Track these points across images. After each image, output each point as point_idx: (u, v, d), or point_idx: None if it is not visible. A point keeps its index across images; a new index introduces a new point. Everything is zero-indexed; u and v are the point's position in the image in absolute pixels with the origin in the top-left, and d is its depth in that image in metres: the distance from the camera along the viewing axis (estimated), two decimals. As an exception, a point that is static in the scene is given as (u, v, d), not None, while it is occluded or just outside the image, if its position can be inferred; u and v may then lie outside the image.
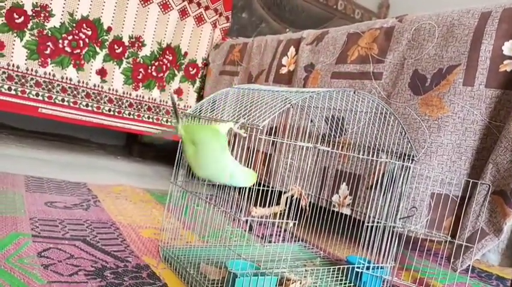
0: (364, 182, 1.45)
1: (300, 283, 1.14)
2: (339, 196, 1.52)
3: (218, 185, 1.24)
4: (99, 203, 1.77)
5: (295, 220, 1.14)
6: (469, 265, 1.20)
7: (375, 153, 1.36)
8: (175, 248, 1.28)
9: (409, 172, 1.25)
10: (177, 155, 1.33)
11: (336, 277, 1.34)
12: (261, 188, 1.22)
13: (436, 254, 1.67)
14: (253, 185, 1.02)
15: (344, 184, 1.51)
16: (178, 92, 2.61)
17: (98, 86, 2.29)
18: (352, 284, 1.30)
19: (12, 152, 2.41)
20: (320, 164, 1.60)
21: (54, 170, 2.15)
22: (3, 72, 2.02)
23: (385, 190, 1.32)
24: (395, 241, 1.25)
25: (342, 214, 1.51)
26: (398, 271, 1.62)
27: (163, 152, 3.34)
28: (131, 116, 2.40)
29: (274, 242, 1.64)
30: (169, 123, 2.58)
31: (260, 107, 1.08)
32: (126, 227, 1.52)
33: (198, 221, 1.34)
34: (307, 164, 1.45)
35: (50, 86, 2.15)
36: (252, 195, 1.04)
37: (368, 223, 1.22)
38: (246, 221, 1.02)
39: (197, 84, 2.68)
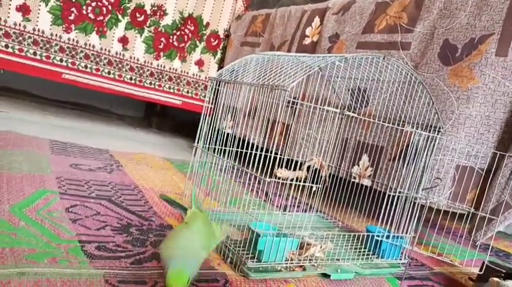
0: (387, 153, 1.44)
1: (321, 247, 1.15)
2: (359, 167, 1.52)
3: (238, 157, 1.25)
4: (122, 167, 1.80)
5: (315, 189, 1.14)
6: (491, 237, 1.19)
7: (400, 124, 1.34)
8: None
9: (434, 143, 1.23)
10: (201, 120, 1.33)
11: (355, 246, 1.35)
12: (279, 155, 1.22)
13: (455, 233, 1.66)
14: (273, 154, 1.02)
15: (365, 155, 1.50)
16: (199, 63, 2.61)
17: (120, 54, 2.30)
18: (371, 252, 1.31)
19: (36, 119, 2.46)
20: (341, 135, 1.59)
21: (76, 137, 2.19)
22: (29, 37, 2.04)
23: (408, 161, 1.31)
24: (416, 212, 1.24)
25: (361, 185, 1.51)
26: (416, 245, 1.62)
27: (181, 124, 3.36)
28: (152, 86, 2.41)
29: (292, 212, 1.65)
30: (189, 95, 2.59)
31: (285, 71, 1.07)
32: (149, 191, 1.55)
33: (218, 190, 1.36)
34: (328, 135, 1.44)
35: (73, 52, 2.17)
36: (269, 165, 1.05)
37: (390, 192, 1.21)
38: (269, 183, 1.03)
39: (218, 55, 2.66)
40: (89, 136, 2.32)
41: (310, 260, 1.13)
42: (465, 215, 1.28)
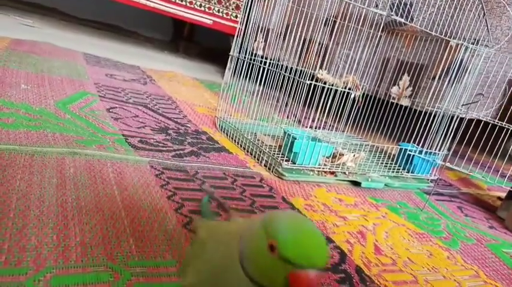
0: (428, 72, 1.39)
1: (354, 156, 1.17)
2: (399, 88, 1.48)
3: (266, 82, 1.23)
4: (155, 81, 1.82)
5: (349, 112, 1.13)
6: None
7: (444, 41, 1.28)
8: (231, 121, 1.33)
9: (481, 58, 1.18)
10: (238, 28, 1.30)
11: (386, 161, 1.36)
12: (313, 83, 1.19)
13: (484, 165, 1.65)
14: (306, 79, 1.00)
15: (406, 75, 1.46)
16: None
17: (150, -32, 2.22)
18: (401, 167, 1.32)
19: (68, 36, 2.47)
20: (382, 55, 1.54)
21: (107, 53, 2.19)
22: None
23: (451, 78, 1.27)
24: (452, 129, 1.23)
25: (395, 107, 1.49)
26: (445, 170, 1.62)
27: (208, 50, 3.32)
28: (183, 2, 2.34)
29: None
30: (220, 14, 2.51)
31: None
32: (182, 103, 1.57)
33: (249, 108, 1.36)
34: (367, 54, 1.39)
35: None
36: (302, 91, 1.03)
37: (428, 107, 1.19)
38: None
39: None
40: (119, 54, 2.32)
41: (342, 168, 1.16)
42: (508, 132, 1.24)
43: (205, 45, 3.40)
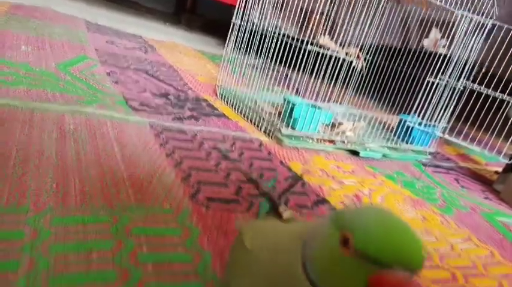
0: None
1: (353, 124, 1.17)
2: (430, 39, 1.45)
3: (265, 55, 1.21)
4: (156, 50, 1.81)
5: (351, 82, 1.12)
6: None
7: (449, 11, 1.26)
8: (232, 90, 1.32)
9: (485, 29, 1.17)
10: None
11: (385, 133, 1.36)
12: (315, 48, 1.17)
13: (481, 140, 1.65)
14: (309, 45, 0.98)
15: (434, 27, 1.43)
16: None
17: None
18: (400, 139, 1.33)
19: (69, 3, 2.43)
20: (399, 16, 1.50)
21: (108, 22, 2.17)
22: None
23: (453, 49, 1.25)
24: (453, 100, 1.23)
25: (397, 76, 1.47)
26: (444, 145, 1.63)
27: (211, 23, 3.27)
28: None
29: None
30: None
31: None
32: (183, 71, 1.56)
33: (250, 79, 1.35)
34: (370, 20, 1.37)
35: None
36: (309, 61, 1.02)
37: (430, 78, 1.19)
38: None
39: None
40: (120, 23, 2.30)
41: (341, 137, 1.16)
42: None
43: (209, 17, 3.35)
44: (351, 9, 1.06)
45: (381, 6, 1.11)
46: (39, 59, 1.14)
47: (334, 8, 1.69)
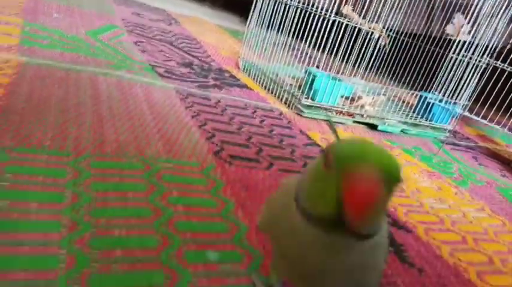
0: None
1: (373, 98, 1.19)
2: (454, 25, 1.43)
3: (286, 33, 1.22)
4: (180, 24, 1.84)
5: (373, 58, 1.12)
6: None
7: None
8: (254, 62, 1.35)
9: (510, 8, 1.15)
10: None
11: (404, 109, 1.37)
12: (338, 18, 1.17)
13: (500, 122, 1.64)
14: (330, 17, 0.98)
15: (459, 13, 1.41)
16: None
17: None
18: (419, 115, 1.33)
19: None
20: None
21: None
22: None
23: (478, 25, 1.24)
24: (475, 78, 1.22)
25: (418, 50, 1.47)
26: (461, 125, 1.63)
27: (233, 1, 3.27)
28: None
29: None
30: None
31: None
32: (207, 44, 1.59)
33: (271, 53, 1.36)
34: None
35: None
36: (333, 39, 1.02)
37: (453, 54, 1.18)
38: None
39: None
40: (145, -3, 2.33)
41: (360, 110, 1.18)
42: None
43: (230, -5, 3.34)
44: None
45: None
46: (70, 26, 1.19)
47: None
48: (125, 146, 0.61)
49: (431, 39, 1.41)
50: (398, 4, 1.33)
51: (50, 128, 0.59)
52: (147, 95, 0.85)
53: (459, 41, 1.23)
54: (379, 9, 1.17)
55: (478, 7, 1.20)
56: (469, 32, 1.21)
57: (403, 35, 1.54)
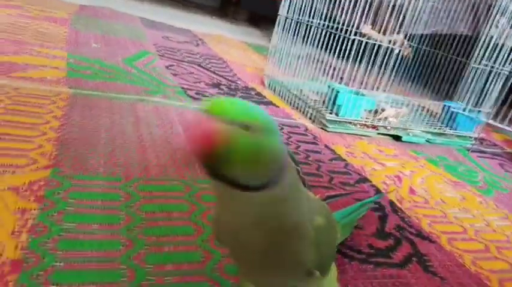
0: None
1: (396, 110, 1.22)
2: (497, 27, 1.45)
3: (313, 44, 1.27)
4: (206, 43, 1.93)
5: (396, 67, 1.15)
6: None
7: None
8: (278, 79, 1.41)
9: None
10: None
11: (429, 119, 1.39)
12: (358, 38, 1.22)
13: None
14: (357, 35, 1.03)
15: (502, 17, 1.43)
16: None
17: None
18: (444, 125, 1.35)
19: (122, 2, 2.61)
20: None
21: (161, 18, 2.31)
22: None
23: (500, 33, 1.26)
24: (499, 86, 1.23)
25: (441, 60, 1.48)
26: (489, 131, 1.62)
27: (255, 16, 3.36)
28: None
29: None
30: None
31: None
32: (232, 63, 1.67)
33: (296, 69, 1.42)
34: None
35: None
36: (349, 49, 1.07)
37: (475, 64, 1.20)
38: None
39: None
40: (171, 19, 2.44)
41: (383, 122, 1.21)
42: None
43: (252, 11, 3.43)
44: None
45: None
46: (108, 54, 1.29)
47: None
48: (166, 169, 0.68)
49: (452, 47, 1.43)
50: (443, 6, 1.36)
51: (101, 156, 0.67)
52: (181, 119, 0.92)
53: (480, 50, 1.25)
54: (399, 20, 1.20)
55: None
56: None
57: (424, 44, 1.56)
